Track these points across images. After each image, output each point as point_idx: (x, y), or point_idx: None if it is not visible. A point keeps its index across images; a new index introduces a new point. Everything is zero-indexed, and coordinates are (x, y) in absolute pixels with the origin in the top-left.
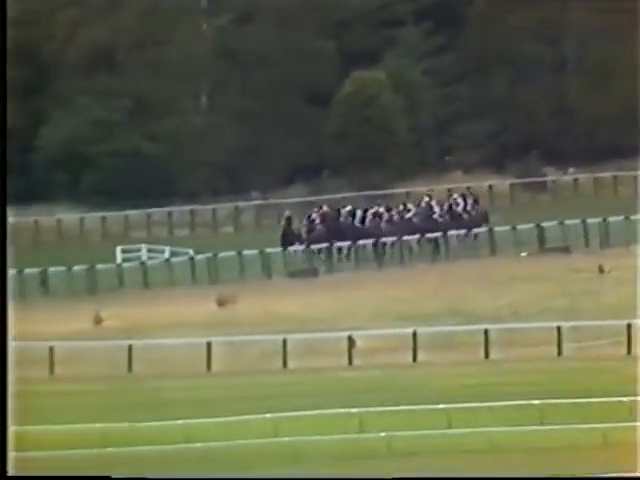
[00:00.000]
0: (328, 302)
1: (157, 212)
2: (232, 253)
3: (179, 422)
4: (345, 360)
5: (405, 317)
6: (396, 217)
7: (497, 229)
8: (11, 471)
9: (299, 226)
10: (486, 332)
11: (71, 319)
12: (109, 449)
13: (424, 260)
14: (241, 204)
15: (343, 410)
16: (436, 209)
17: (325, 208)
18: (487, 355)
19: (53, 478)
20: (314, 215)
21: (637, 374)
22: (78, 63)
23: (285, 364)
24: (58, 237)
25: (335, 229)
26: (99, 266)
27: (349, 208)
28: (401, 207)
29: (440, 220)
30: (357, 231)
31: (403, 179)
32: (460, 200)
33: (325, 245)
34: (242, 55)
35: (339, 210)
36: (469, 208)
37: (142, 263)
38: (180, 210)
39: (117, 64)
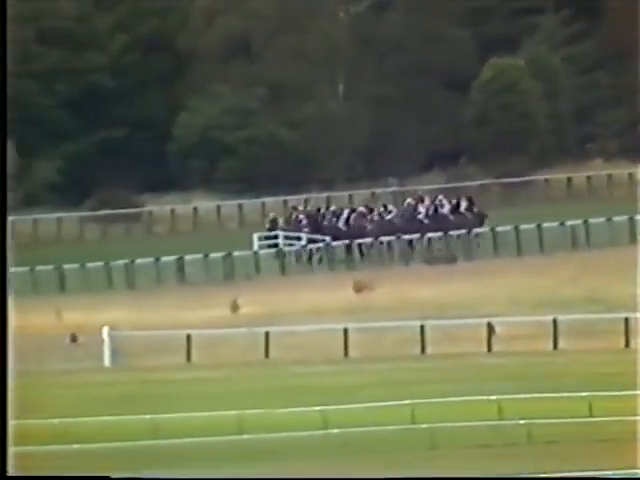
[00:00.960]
0: (466, 288)
1: (293, 199)
2: (368, 240)
3: (316, 408)
4: (484, 347)
5: (544, 304)
6: (377, 218)
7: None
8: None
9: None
10: (626, 320)
11: (208, 306)
12: (244, 436)
13: (564, 249)
14: (378, 190)
15: (482, 397)
16: (421, 209)
17: (300, 208)
18: (627, 344)
19: (53, 478)
20: (301, 216)
21: None
22: (214, 51)
23: (423, 350)
24: (194, 225)
25: (319, 230)
26: (236, 253)
27: (333, 208)
28: (382, 208)
29: (426, 222)
30: (340, 232)
31: (541, 166)
32: (445, 202)
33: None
34: (379, 42)
35: (318, 210)
36: (463, 210)
37: (279, 250)
38: (317, 197)
39: (253, 52)
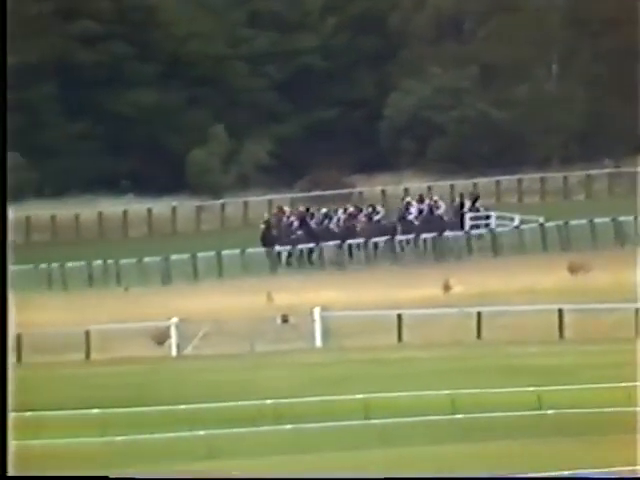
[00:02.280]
0: None
1: (506, 179)
2: (583, 221)
3: (530, 389)
4: None
5: None
6: (364, 219)
7: None
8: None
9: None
10: None
11: (420, 286)
12: (456, 415)
13: None
14: (593, 172)
15: None
16: (413, 210)
17: (285, 209)
18: None
19: (53, 478)
20: (292, 217)
21: None
22: (426, 31)
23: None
24: None
25: (311, 232)
26: (447, 233)
27: (324, 210)
28: (370, 209)
29: (416, 223)
30: (331, 234)
31: None
32: (441, 203)
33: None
34: (592, 22)
35: (307, 210)
36: (466, 210)
37: (491, 230)
38: (530, 177)
39: (465, 32)
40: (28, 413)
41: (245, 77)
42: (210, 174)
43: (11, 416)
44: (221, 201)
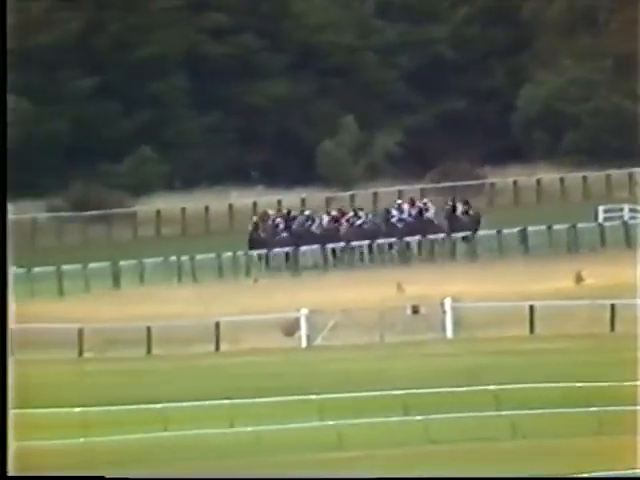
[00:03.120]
0: None
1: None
2: None
3: None
4: None
5: None
6: (345, 223)
7: None
8: None
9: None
10: None
11: (552, 278)
12: (591, 409)
13: None
14: None
15: None
16: (394, 213)
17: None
18: None
19: (53, 478)
20: (278, 219)
21: None
22: (559, 23)
23: None
24: (537, 197)
25: (298, 234)
26: (580, 225)
27: (307, 212)
28: (351, 213)
29: (399, 225)
30: (315, 236)
31: None
32: (431, 206)
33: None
34: None
35: (289, 213)
36: (459, 213)
37: (624, 223)
38: None
39: (599, 24)
40: (159, 405)
41: (375, 68)
42: (340, 165)
43: (142, 407)
44: (351, 192)
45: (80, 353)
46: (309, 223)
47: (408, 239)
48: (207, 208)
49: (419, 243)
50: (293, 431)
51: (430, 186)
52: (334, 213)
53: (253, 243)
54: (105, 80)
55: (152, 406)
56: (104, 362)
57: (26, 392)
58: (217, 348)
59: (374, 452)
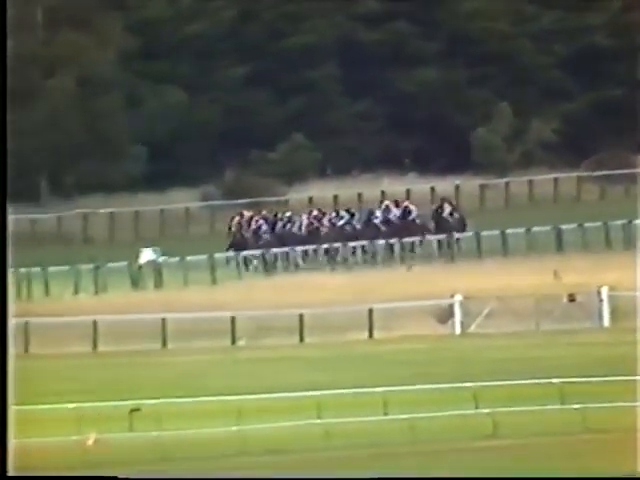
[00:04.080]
0: None
1: None
2: None
3: None
4: None
5: None
6: (327, 224)
7: None
8: None
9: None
10: None
11: None
12: None
13: None
14: None
15: None
16: (378, 214)
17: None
18: None
19: (53, 478)
20: (261, 221)
21: None
22: None
23: None
24: None
25: (281, 235)
26: None
27: (288, 214)
28: (334, 214)
29: (382, 228)
30: (298, 238)
31: None
32: (413, 207)
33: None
34: None
35: (276, 215)
36: (446, 215)
37: None
38: None
39: None
40: (310, 392)
41: (531, 55)
42: (494, 152)
43: (295, 395)
44: (506, 179)
45: (233, 341)
46: (289, 225)
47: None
48: (360, 195)
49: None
50: (447, 419)
51: (586, 174)
52: (315, 213)
53: (234, 245)
54: (257, 68)
55: (305, 394)
56: (257, 350)
57: (178, 381)
58: (370, 335)
59: (529, 441)
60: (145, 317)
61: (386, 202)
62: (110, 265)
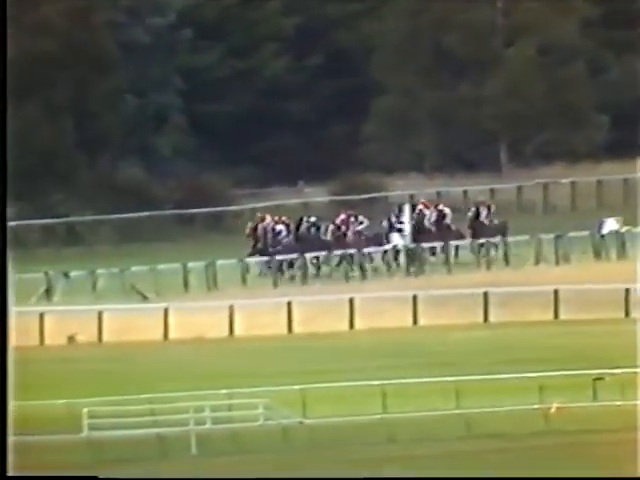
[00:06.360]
0: None
1: None
2: None
3: None
4: None
5: None
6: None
7: None
8: None
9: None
10: None
11: None
12: None
13: None
14: None
15: None
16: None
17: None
18: None
19: (53, 478)
20: (279, 226)
21: None
22: None
23: None
24: None
25: (302, 240)
26: None
27: (313, 219)
28: (352, 219)
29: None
30: (323, 243)
31: None
32: (448, 211)
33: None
34: None
35: (301, 219)
36: (483, 219)
37: None
38: None
39: None
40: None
41: None
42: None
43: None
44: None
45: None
46: (313, 230)
47: None
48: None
49: None
50: None
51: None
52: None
53: (255, 251)
54: None
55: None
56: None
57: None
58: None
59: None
60: (607, 287)
61: (419, 206)
62: (571, 234)
